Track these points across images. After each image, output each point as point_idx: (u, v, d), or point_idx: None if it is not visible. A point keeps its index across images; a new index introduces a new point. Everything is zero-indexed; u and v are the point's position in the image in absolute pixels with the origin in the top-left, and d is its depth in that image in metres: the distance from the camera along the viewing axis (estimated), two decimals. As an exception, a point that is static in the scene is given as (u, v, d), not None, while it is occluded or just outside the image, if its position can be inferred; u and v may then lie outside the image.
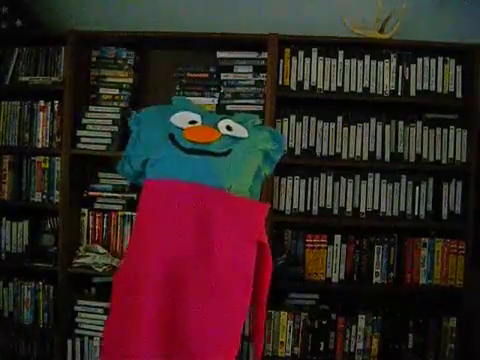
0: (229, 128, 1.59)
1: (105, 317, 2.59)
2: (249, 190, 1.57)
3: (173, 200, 1.45)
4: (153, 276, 1.41)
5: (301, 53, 2.60)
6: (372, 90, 2.59)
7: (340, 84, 2.59)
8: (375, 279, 2.63)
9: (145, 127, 1.60)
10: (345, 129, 2.61)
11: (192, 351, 1.40)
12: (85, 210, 2.71)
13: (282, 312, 2.62)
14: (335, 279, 2.63)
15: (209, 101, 2.68)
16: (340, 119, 2.62)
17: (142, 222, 1.51)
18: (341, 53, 2.59)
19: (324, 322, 2.61)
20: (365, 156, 2.61)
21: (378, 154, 2.60)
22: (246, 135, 1.58)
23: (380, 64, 2.59)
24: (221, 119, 1.61)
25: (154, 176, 1.49)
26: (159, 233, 1.44)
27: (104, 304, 2.59)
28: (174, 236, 1.42)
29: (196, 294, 1.41)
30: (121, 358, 1.42)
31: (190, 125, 1.55)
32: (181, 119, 1.57)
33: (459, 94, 2.59)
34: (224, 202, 1.45)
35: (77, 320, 2.63)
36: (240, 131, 1.59)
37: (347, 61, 2.60)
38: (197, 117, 1.59)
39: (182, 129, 1.53)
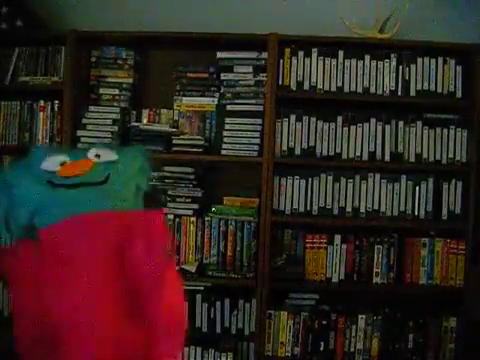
0: (98, 156, 1.60)
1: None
2: (133, 208, 1.58)
3: (74, 235, 1.44)
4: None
5: (301, 53, 2.60)
6: (372, 90, 2.59)
7: (340, 84, 2.59)
8: (375, 279, 2.63)
9: (17, 185, 1.55)
10: (345, 129, 2.61)
11: None
12: (85, 210, 2.71)
13: (282, 312, 2.62)
14: (335, 279, 2.63)
15: (209, 101, 2.68)
16: (340, 119, 2.62)
17: (52, 269, 1.46)
18: (341, 53, 2.59)
19: (324, 322, 2.61)
20: (365, 156, 2.61)
21: (378, 154, 2.60)
22: (115, 158, 1.61)
23: (380, 64, 2.59)
24: (89, 150, 1.64)
25: (45, 223, 1.46)
26: (73, 273, 1.42)
27: (104, 304, 2.60)
28: (89, 269, 1.42)
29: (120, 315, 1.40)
30: None
31: (61, 166, 1.56)
32: (51, 164, 1.57)
33: (459, 94, 2.59)
34: (125, 220, 1.46)
35: (77, 320, 2.63)
36: (108, 155, 1.61)
37: (347, 61, 2.59)
38: (65, 157, 1.60)
39: (55, 171, 1.53)
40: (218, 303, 2.66)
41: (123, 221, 1.45)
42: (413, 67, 2.59)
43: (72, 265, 1.41)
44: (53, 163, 1.56)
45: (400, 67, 2.59)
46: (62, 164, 1.57)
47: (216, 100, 2.67)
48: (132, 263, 1.42)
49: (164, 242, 1.54)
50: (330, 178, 2.63)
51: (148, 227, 1.49)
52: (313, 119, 2.62)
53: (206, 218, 2.66)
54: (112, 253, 1.41)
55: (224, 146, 2.59)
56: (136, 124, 2.68)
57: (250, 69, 2.64)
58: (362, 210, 2.62)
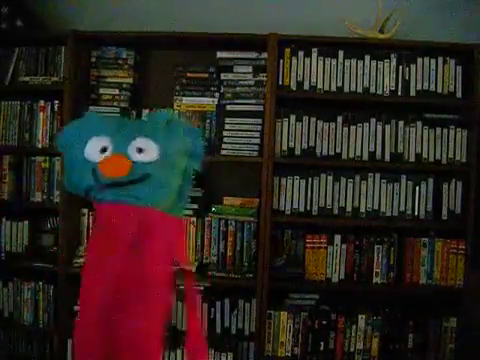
0: (140, 150, 1.65)
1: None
2: (178, 194, 1.70)
3: (112, 221, 1.62)
4: (101, 287, 1.60)
5: (301, 53, 2.60)
6: (372, 90, 2.59)
7: (340, 84, 2.59)
8: (375, 279, 2.63)
9: (73, 151, 1.69)
10: (345, 129, 2.61)
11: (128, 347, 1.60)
12: (85, 210, 2.72)
13: (282, 312, 2.62)
14: (335, 279, 2.63)
15: (209, 101, 2.68)
16: (340, 119, 2.62)
17: (92, 241, 1.75)
18: (341, 53, 2.59)
19: (324, 322, 2.61)
20: (365, 156, 2.61)
21: (378, 154, 2.60)
22: (156, 156, 1.65)
23: (380, 64, 2.59)
24: (131, 141, 1.67)
25: (97, 200, 1.63)
26: (104, 251, 1.61)
27: (104, 304, 2.60)
28: (115, 254, 1.59)
29: (131, 302, 1.59)
30: None
31: (102, 155, 1.64)
32: (93, 150, 1.65)
33: (459, 94, 2.59)
34: (148, 221, 1.62)
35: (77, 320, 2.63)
36: (151, 151, 1.65)
37: (347, 61, 2.59)
38: (106, 141, 1.66)
39: (97, 163, 1.63)
40: (218, 303, 2.66)
41: (145, 219, 1.60)
42: (413, 67, 2.59)
43: (107, 242, 1.60)
44: (94, 149, 1.64)
45: (400, 67, 2.59)
46: (103, 150, 1.64)
47: (216, 100, 2.67)
48: (145, 259, 1.59)
49: (178, 248, 1.69)
50: (330, 178, 2.63)
51: (165, 232, 1.64)
52: (313, 119, 2.62)
53: (206, 218, 2.66)
54: (130, 245, 1.58)
55: (224, 146, 2.59)
56: (136, 124, 2.67)
57: (250, 69, 2.64)
58: (362, 210, 2.62)
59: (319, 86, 2.59)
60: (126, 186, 1.60)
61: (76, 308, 2.63)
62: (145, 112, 2.74)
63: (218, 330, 2.66)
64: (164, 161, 1.65)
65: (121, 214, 1.60)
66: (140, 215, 1.60)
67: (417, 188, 2.62)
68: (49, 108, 2.69)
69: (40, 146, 2.69)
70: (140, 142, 1.65)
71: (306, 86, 2.60)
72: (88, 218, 2.71)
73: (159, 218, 1.64)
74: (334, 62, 2.59)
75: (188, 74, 2.69)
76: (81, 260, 2.59)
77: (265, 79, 2.58)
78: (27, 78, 2.68)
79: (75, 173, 1.68)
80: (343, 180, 2.63)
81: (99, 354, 1.61)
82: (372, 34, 2.61)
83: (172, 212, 1.70)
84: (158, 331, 1.64)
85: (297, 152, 2.62)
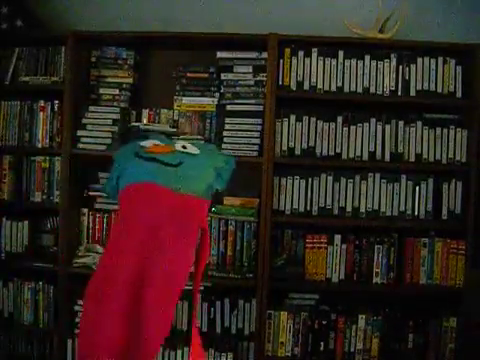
0: (184, 147, 1.88)
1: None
2: (198, 195, 1.80)
3: (133, 199, 1.73)
4: (124, 268, 1.63)
5: (301, 53, 2.60)
6: (372, 90, 2.59)
7: (340, 84, 2.59)
8: (375, 279, 2.63)
9: (121, 155, 1.91)
10: (345, 129, 2.61)
11: (145, 323, 1.59)
12: (85, 210, 2.72)
13: (282, 312, 2.62)
14: (335, 279, 2.63)
15: (209, 101, 2.68)
16: (340, 119, 2.62)
17: (115, 224, 1.89)
18: (341, 53, 2.59)
19: (324, 322, 2.61)
20: (365, 156, 2.61)
21: (378, 154, 2.60)
22: (197, 152, 1.87)
23: (380, 64, 2.59)
24: (179, 141, 1.94)
25: (122, 185, 1.77)
26: (126, 230, 1.68)
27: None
28: (136, 230, 1.66)
29: (152, 279, 1.63)
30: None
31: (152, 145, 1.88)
32: (147, 143, 1.89)
33: (459, 94, 2.59)
34: (171, 198, 1.71)
35: (77, 320, 2.63)
36: (193, 150, 1.88)
37: (347, 61, 2.59)
38: (159, 142, 1.91)
39: (145, 147, 1.85)
40: (218, 303, 2.66)
41: (169, 200, 1.70)
42: (413, 67, 2.59)
43: (125, 223, 1.70)
44: (149, 142, 1.89)
45: (400, 67, 2.59)
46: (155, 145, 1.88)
47: (216, 100, 2.68)
48: (161, 240, 1.64)
49: (195, 223, 1.74)
50: (330, 178, 2.63)
51: (188, 214, 1.72)
52: (313, 119, 2.62)
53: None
54: (151, 223, 1.65)
55: (224, 146, 2.59)
56: (136, 124, 2.68)
57: (250, 69, 2.64)
58: (362, 210, 2.62)
59: (319, 86, 2.59)
60: (159, 165, 1.75)
61: (76, 308, 2.64)
62: (145, 112, 2.74)
63: (218, 330, 2.66)
64: (199, 160, 1.84)
65: (148, 192, 1.69)
66: (166, 195, 1.69)
67: (417, 188, 2.62)
68: (49, 108, 2.69)
69: (40, 146, 2.69)
70: (186, 143, 1.90)
71: (306, 86, 2.60)
72: (88, 218, 2.71)
73: (183, 200, 1.71)
74: (334, 62, 2.59)
75: (188, 74, 2.70)
76: (81, 260, 2.60)
77: (265, 79, 2.58)
78: (27, 78, 2.68)
79: (118, 167, 1.83)
80: (343, 180, 2.63)
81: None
82: (372, 34, 2.61)
83: None
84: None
85: (297, 152, 2.62)
